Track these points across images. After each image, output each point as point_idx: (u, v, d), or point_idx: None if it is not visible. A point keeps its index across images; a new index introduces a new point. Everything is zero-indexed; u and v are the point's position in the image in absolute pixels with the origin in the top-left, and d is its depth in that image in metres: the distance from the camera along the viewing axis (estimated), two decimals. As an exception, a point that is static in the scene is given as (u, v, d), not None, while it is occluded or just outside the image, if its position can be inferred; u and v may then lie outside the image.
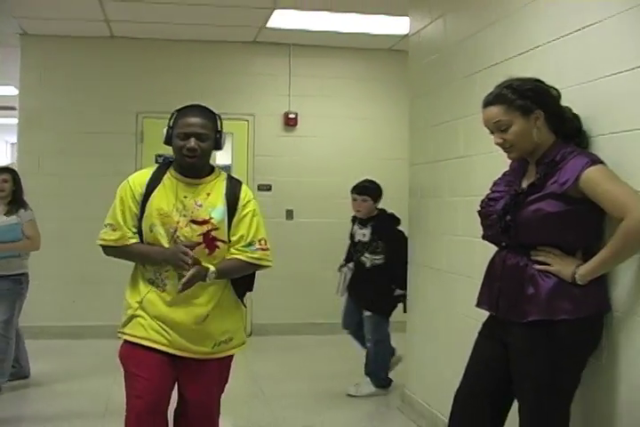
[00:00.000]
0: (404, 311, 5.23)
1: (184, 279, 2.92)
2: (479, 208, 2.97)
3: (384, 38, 7.30)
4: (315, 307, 7.65)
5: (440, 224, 4.39)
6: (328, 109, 7.95)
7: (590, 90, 2.88)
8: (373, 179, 5.59)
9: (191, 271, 2.93)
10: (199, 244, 3.04)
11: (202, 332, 3.09)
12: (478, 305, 2.97)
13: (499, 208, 2.81)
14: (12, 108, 11.72)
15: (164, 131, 3.16)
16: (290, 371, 6.14)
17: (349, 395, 5.27)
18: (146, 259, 3.12)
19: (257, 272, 3.25)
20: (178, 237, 3.06)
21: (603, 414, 2.77)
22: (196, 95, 7.54)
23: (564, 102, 2.84)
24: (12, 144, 18.22)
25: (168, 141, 3.14)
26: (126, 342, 3.15)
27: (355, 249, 5.48)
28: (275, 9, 6.48)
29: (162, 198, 3.10)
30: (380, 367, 5.38)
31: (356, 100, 8.00)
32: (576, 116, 2.84)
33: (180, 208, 3.07)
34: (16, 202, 5.34)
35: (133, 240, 3.11)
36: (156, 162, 6.50)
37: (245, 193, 3.19)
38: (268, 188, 7.88)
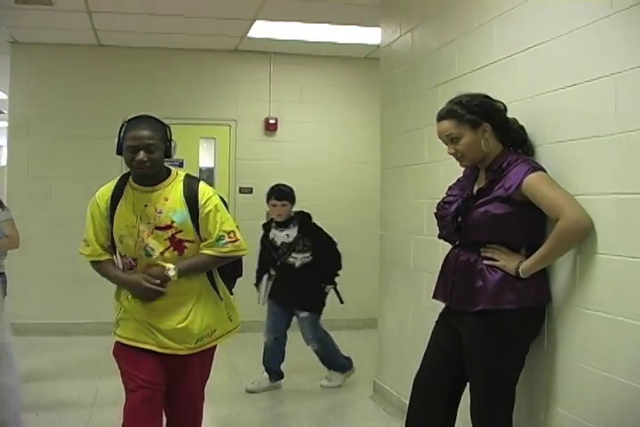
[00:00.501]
0: (341, 303, 5.56)
1: (140, 291, 3.17)
2: (435, 210, 3.30)
3: (360, 47, 7.60)
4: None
5: (407, 225, 4.69)
6: (307, 115, 8.24)
7: (537, 103, 3.19)
8: (286, 182, 5.81)
9: (144, 284, 3.13)
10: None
11: (185, 331, 3.22)
12: (434, 297, 3.28)
13: (452, 210, 3.13)
14: (1, 112, 11.97)
15: (116, 141, 3.20)
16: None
17: (323, 386, 5.55)
18: (113, 280, 3.32)
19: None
20: (147, 244, 3.18)
21: (544, 391, 3.08)
22: (179, 101, 7.96)
23: (514, 114, 3.17)
24: (0, 147, 18.39)
25: (119, 152, 3.20)
26: (118, 342, 3.33)
27: (277, 253, 5.50)
28: (255, 20, 6.78)
29: (127, 211, 3.21)
30: (334, 357, 5.60)
31: (334, 106, 8.28)
32: (521, 128, 3.16)
33: (143, 217, 3.18)
34: None
35: (104, 257, 3.30)
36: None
37: (203, 192, 3.23)
38: (249, 190, 8.15)
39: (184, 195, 3.20)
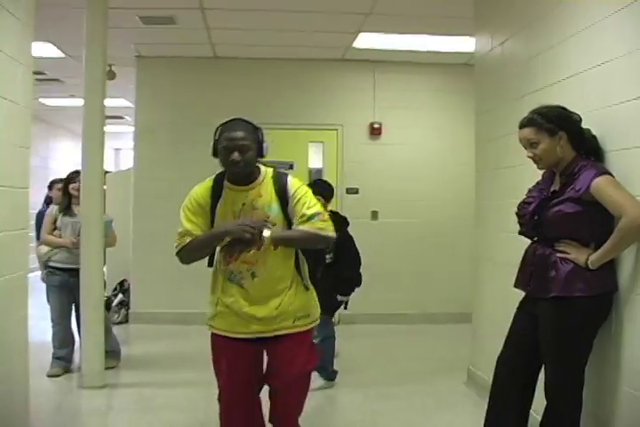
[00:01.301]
0: (345, 308, 5.79)
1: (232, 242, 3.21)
2: (516, 210, 3.70)
3: (457, 55, 7.97)
4: (400, 299, 8.45)
5: (499, 222, 5.06)
6: (410, 120, 8.67)
7: (606, 114, 3.54)
8: (326, 179, 5.89)
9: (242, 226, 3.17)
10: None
11: (281, 314, 3.37)
12: (515, 286, 3.68)
13: (530, 210, 3.54)
14: (120, 117, 12.88)
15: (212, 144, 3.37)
16: (373, 354, 6.92)
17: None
18: (204, 243, 3.36)
19: None
20: None
21: (612, 372, 3.42)
22: (290, 108, 8.56)
23: (588, 124, 3.53)
24: (117, 150, 19.49)
25: (215, 154, 3.37)
26: (213, 333, 3.49)
27: None
28: (359, 32, 7.28)
29: (225, 210, 3.36)
30: (327, 362, 5.55)
31: (435, 111, 8.68)
32: (594, 137, 3.52)
33: (242, 215, 3.32)
34: None
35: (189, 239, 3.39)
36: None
37: (292, 184, 3.38)
38: (355, 191, 8.65)
39: (275, 189, 3.35)
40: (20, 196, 4.04)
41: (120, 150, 19.39)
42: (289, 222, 3.36)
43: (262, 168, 3.42)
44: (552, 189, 3.51)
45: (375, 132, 8.63)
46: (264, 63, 8.48)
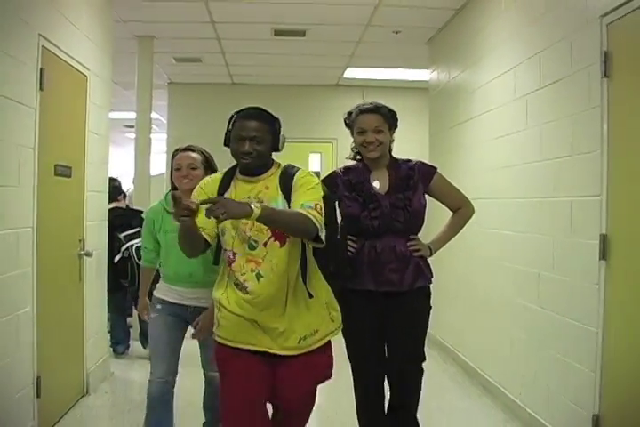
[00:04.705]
0: None
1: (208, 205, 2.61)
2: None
3: (424, 82, 9.80)
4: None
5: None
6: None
7: (513, 139, 5.40)
8: None
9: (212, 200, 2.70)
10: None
11: (285, 329, 3.03)
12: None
13: None
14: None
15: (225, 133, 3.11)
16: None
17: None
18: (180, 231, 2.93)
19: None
20: (250, 237, 2.98)
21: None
22: (294, 124, 10.34)
23: (497, 145, 5.37)
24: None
25: (227, 143, 3.10)
26: (218, 343, 3.17)
27: None
28: (347, 67, 9.23)
29: None
30: None
31: (411, 125, 10.44)
32: None
33: None
34: None
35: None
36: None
37: (298, 175, 3.05)
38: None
39: (280, 181, 3.06)
40: (103, 198, 5.94)
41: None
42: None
43: (276, 161, 3.16)
44: None
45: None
46: (272, 88, 10.33)
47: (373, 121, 3.56)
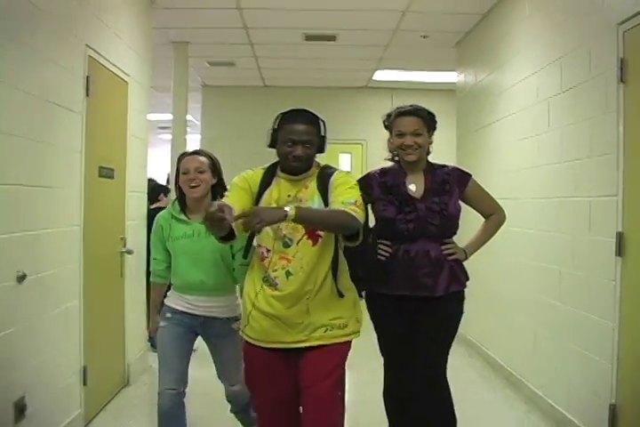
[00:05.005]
0: None
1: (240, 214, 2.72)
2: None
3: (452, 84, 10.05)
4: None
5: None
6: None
7: (535, 141, 5.59)
8: None
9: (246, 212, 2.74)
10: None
11: (312, 322, 3.08)
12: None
13: None
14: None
15: (267, 133, 3.11)
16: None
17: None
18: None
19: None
20: (285, 235, 3.05)
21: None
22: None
23: (521, 145, 5.56)
24: (175, 154, 21.76)
25: (273, 145, 3.10)
26: (246, 342, 3.21)
27: None
28: (376, 69, 9.45)
29: (270, 199, 3.08)
30: None
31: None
32: None
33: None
34: None
35: None
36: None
37: (336, 175, 3.10)
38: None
39: (318, 180, 3.12)
40: (142, 198, 6.22)
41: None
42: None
43: (316, 161, 3.20)
44: None
45: (392, 145, 10.61)
46: (303, 90, 10.60)
47: (413, 124, 3.54)
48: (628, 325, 3.85)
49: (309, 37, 7.73)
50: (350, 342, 3.18)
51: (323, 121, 3.13)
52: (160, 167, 10.29)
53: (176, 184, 3.81)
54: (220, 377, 3.88)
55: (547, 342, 5.01)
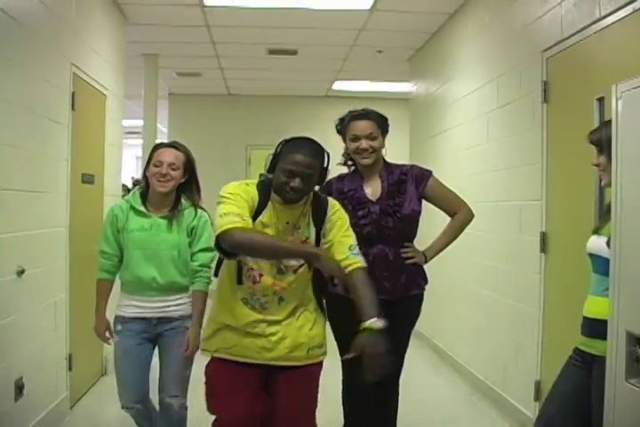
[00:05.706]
0: None
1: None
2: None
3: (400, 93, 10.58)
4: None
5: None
6: (377, 141, 11.21)
7: (477, 151, 6.17)
8: None
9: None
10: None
11: (298, 339, 3.00)
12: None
13: None
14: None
15: (268, 158, 2.95)
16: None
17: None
18: (286, 251, 2.85)
19: None
20: (281, 262, 2.94)
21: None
22: (285, 133, 10.73)
23: (463, 155, 6.14)
24: (138, 158, 22.00)
25: (271, 170, 2.93)
26: (213, 357, 3.04)
27: None
28: (335, 80, 10.03)
29: (268, 222, 2.93)
30: None
31: (391, 136, 11.22)
32: None
33: (286, 234, 2.94)
34: None
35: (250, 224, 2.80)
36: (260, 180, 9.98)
37: (332, 205, 3.04)
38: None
39: (313, 209, 3.00)
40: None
41: (139, 158, 21.90)
42: (317, 245, 2.99)
43: None
44: None
45: (352, 152, 11.14)
46: (266, 99, 11.16)
47: (367, 127, 3.53)
48: (549, 311, 4.45)
49: (272, 51, 8.25)
50: (321, 364, 3.13)
51: (327, 153, 2.97)
52: (126, 171, 10.69)
53: (144, 175, 3.67)
54: (159, 387, 3.64)
55: (485, 331, 5.60)
